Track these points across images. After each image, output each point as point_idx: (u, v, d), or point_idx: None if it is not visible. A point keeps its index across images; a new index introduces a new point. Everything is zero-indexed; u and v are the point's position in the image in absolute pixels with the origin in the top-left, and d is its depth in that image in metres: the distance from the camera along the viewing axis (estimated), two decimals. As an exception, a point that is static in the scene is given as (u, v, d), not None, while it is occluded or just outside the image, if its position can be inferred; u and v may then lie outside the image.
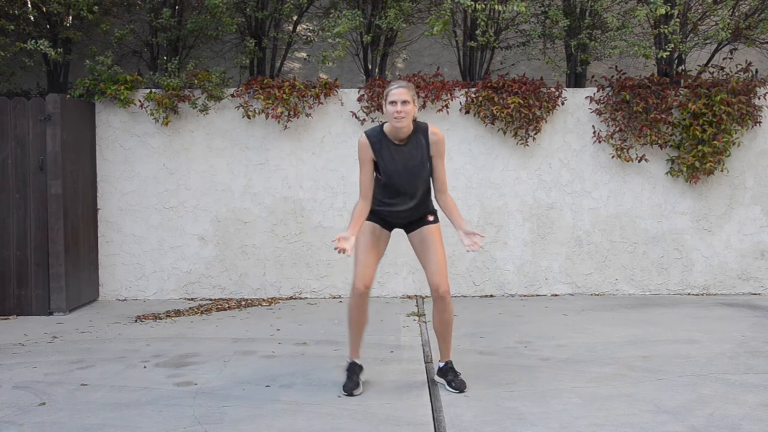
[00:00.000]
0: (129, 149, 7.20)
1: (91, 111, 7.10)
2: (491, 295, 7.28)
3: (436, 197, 4.21)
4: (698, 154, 6.98)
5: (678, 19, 6.98)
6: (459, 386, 4.16)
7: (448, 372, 4.26)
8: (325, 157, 7.24)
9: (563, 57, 7.79)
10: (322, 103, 7.16)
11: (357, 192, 7.16)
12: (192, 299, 7.22)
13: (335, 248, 3.83)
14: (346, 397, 4.09)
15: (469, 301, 7.00)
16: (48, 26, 7.20)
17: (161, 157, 7.22)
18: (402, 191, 4.09)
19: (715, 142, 6.94)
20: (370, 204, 4.09)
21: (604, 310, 6.50)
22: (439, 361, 4.34)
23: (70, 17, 7.13)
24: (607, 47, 7.14)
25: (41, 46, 6.60)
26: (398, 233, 7.28)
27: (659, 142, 7.08)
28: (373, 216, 4.19)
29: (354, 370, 4.22)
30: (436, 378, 4.34)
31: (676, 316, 6.25)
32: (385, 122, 4.10)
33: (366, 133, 4.11)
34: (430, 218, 4.23)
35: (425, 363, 4.81)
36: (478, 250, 3.96)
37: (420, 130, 4.09)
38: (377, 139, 4.07)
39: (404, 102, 3.95)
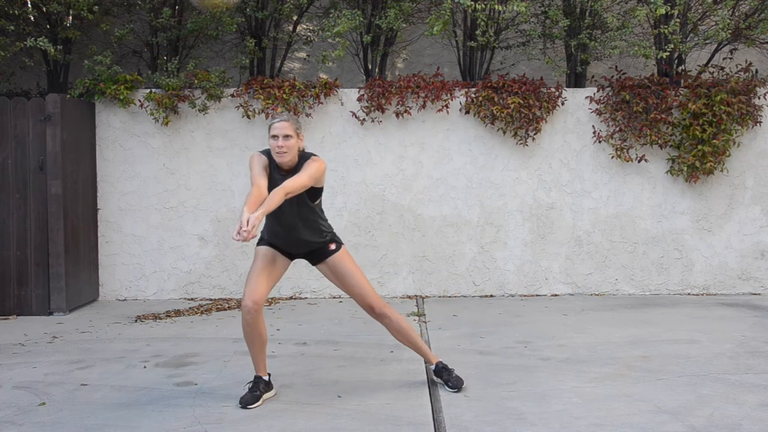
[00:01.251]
0: (129, 149, 7.20)
1: (91, 111, 7.10)
2: (491, 295, 7.28)
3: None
4: (698, 153, 6.98)
5: (678, 19, 6.98)
6: (456, 384, 4.17)
7: (443, 372, 4.26)
8: (325, 156, 7.23)
9: (563, 57, 7.79)
10: (322, 103, 7.16)
11: (357, 192, 7.21)
12: (192, 299, 7.22)
13: (240, 239, 3.46)
14: (347, 396, 4.09)
15: (469, 301, 7.00)
16: (48, 26, 7.20)
17: (161, 157, 7.22)
18: (287, 219, 3.97)
19: (715, 141, 6.94)
20: (263, 191, 3.80)
21: (604, 310, 6.50)
22: (429, 365, 4.36)
23: (70, 17, 7.13)
24: (607, 47, 7.14)
25: (40, 44, 6.59)
26: (397, 233, 7.28)
27: (659, 142, 7.08)
28: (269, 243, 4.10)
29: (258, 385, 4.06)
30: (435, 378, 4.35)
31: (676, 316, 6.25)
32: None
33: (260, 151, 4.04)
34: (332, 247, 4.11)
35: (425, 363, 4.80)
36: (239, 240, 3.51)
37: (304, 159, 3.96)
38: (269, 159, 3.97)
39: (286, 136, 3.87)
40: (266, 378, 4.13)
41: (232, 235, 3.72)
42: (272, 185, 3.92)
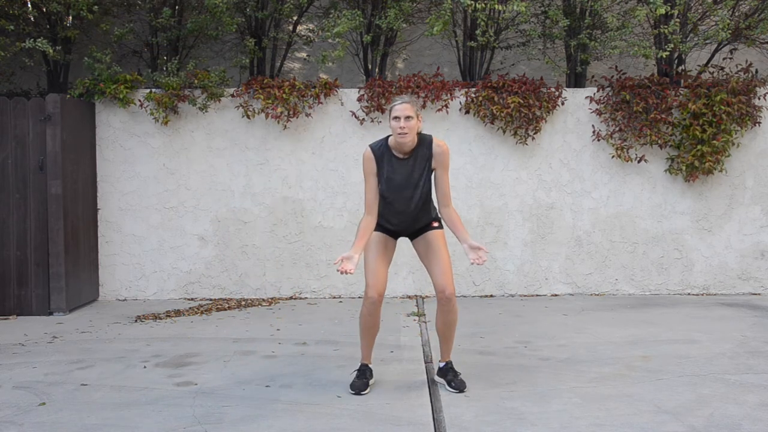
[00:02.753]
0: (129, 149, 7.20)
1: (91, 111, 7.10)
2: (491, 295, 7.28)
3: (439, 210, 4.22)
4: (698, 153, 6.98)
5: (678, 19, 6.98)
6: (459, 386, 4.17)
7: (448, 372, 4.27)
8: (325, 157, 7.24)
9: (563, 57, 7.79)
10: (322, 103, 7.16)
11: (357, 192, 7.20)
12: (192, 299, 7.22)
13: (338, 270, 3.84)
14: (346, 396, 4.10)
15: (469, 301, 7.00)
16: (48, 26, 7.20)
17: (161, 157, 7.22)
18: (402, 203, 4.11)
19: (714, 141, 6.94)
20: (375, 219, 4.11)
21: (604, 310, 6.50)
22: (440, 361, 4.35)
23: (70, 18, 7.14)
24: (607, 47, 7.14)
25: (39, 45, 6.59)
26: (398, 233, 7.26)
27: (659, 142, 7.08)
28: (378, 226, 4.20)
29: (365, 373, 4.25)
30: (436, 378, 4.35)
31: (676, 316, 6.25)
32: (390, 135, 4.10)
33: (370, 146, 4.13)
34: (435, 224, 4.24)
35: (425, 363, 4.81)
36: (482, 264, 3.98)
37: (424, 143, 4.10)
38: (381, 152, 4.09)
39: (407, 117, 3.96)
40: (371, 366, 4.30)
41: (336, 262, 3.94)
42: (392, 175, 4.06)
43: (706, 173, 7.12)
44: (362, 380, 4.19)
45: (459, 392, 4.14)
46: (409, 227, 4.23)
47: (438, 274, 4.13)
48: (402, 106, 3.97)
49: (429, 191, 4.16)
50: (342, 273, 3.82)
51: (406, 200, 4.10)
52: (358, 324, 4.24)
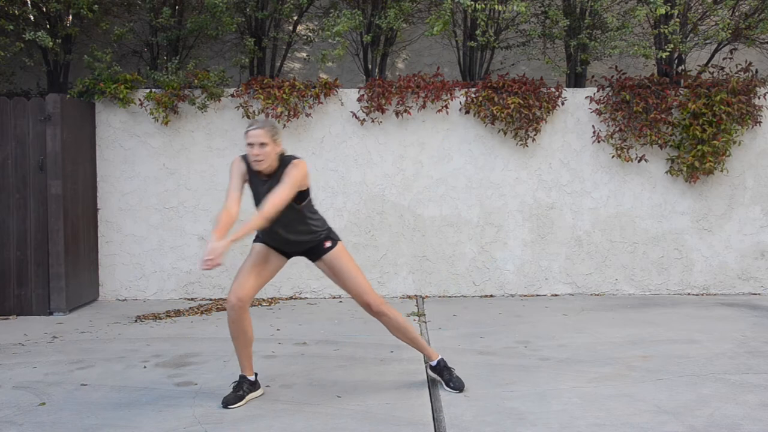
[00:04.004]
0: (129, 149, 7.20)
1: (91, 111, 7.10)
2: (491, 295, 7.28)
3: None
4: (698, 153, 6.98)
5: (678, 19, 6.98)
6: (458, 385, 4.15)
7: (444, 370, 4.24)
8: (325, 157, 7.24)
9: (563, 57, 7.79)
10: (322, 103, 7.16)
11: (357, 192, 7.20)
12: (192, 299, 7.22)
13: (204, 267, 3.51)
14: (346, 396, 4.09)
15: (469, 301, 7.00)
16: (48, 26, 7.19)
17: (161, 157, 7.22)
18: (277, 222, 3.86)
19: (715, 141, 6.94)
20: (233, 215, 3.82)
21: (604, 310, 6.50)
22: (429, 361, 4.32)
23: (70, 17, 7.13)
24: (607, 47, 7.14)
25: (40, 37, 6.56)
26: (397, 233, 7.27)
27: (659, 142, 7.08)
28: (264, 240, 4.07)
29: (241, 385, 4.03)
30: (431, 373, 4.32)
31: (676, 316, 6.25)
32: None
33: (241, 155, 3.97)
34: (327, 244, 4.04)
35: (425, 363, 4.80)
36: (205, 269, 3.58)
37: (285, 163, 3.87)
38: (249, 165, 3.90)
39: (261, 144, 3.78)
40: (252, 378, 4.09)
41: (198, 264, 3.69)
42: (254, 189, 3.91)
43: (707, 173, 7.12)
44: (237, 393, 3.98)
45: (458, 392, 4.13)
46: (292, 246, 4.03)
47: (355, 294, 4.04)
48: (255, 132, 3.77)
49: (298, 211, 3.92)
50: (209, 268, 3.52)
51: (278, 219, 3.84)
52: (229, 334, 4.02)
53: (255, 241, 4.13)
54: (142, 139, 7.20)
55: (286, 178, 3.79)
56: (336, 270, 4.05)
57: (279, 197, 3.74)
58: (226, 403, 3.93)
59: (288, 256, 4.14)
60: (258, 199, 3.97)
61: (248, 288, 3.94)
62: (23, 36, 6.71)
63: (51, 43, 6.71)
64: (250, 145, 3.80)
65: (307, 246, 4.06)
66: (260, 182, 3.91)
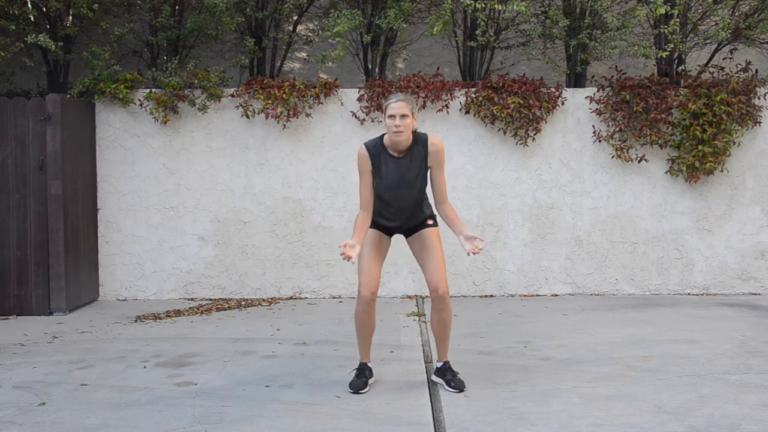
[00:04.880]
0: (129, 149, 7.21)
1: (91, 111, 7.10)
2: (491, 295, 7.28)
3: (436, 207, 4.22)
4: (698, 154, 6.98)
5: (678, 19, 6.98)
6: (458, 386, 4.17)
7: (447, 372, 4.26)
8: (325, 157, 7.24)
9: (563, 57, 7.79)
10: (322, 103, 7.16)
11: (356, 192, 7.19)
12: (192, 299, 7.22)
13: (341, 254, 3.82)
14: (346, 396, 4.09)
15: (469, 301, 7.00)
16: (48, 26, 7.20)
17: (161, 157, 7.22)
18: (398, 201, 4.11)
19: (715, 142, 6.94)
20: (371, 215, 4.12)
21: (604, 310, 6.50)
22: (437, 361, 4.34)
23: (71, 17, 7.13)
24: (607, 47, 7.14)
25: (41, 40, 6.57)
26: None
27: (659, 142, 7.08)
28: (373, 224, 4.21)
29: (364, 372, 4.25)
30: (434, 378, 4.34)
31: (676, 316, 6.25)
32: (385, 133, 4.09)
33: (365, 144, 4.12)
34: (429, 222, 4.25)
35: (425, 363, 4.81)
36: (479, 253, 3.96)
37: (419, 141, 4.09)
38: (376, 150, 4.08)
39: (403, 116, 3.94)
40: (370, 365, 4.29)
41: (340, 250, 3.97)
42: (387, 173, 4.05)
43: (707, 174, 7.12)
44: (361, 379, 4.20)
45: (459, 392, 4.14)
46: (404, 225, 4.23)
47: (431, 272, 4.13)
48: (397, 104, 3.94)
49: (424, 189, 4.17)
50: (345, 259, 3.79)
51: (401, 198, 4.10)
52: (355, 323, 4.24)
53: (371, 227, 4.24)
54: (142, 139, 7.20)
55: (441, 164, 4.10)
56: (427, 245, 4.19)
57: (444, 181, 4.14)
58: (357, 388, 4.13)
59: (392, 234, 4.30)
60: (391, 180, 4.08)
61: (376, 279, 4.12)
62: (25, 38, 6.72)
63: (53, 46, 6.71)
64: (392, 117, 3.96)
65: (417, 222, 4.24)
66: (394, 162, 4.06)
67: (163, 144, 7.21)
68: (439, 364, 4.31)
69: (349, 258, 3.79)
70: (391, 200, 4.10)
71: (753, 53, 7.97)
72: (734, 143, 7.11)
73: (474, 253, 3.92)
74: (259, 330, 5.85)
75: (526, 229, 7.27)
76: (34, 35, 6.62)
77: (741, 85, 7.01)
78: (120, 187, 7.21)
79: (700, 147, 6.96)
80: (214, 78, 7.00)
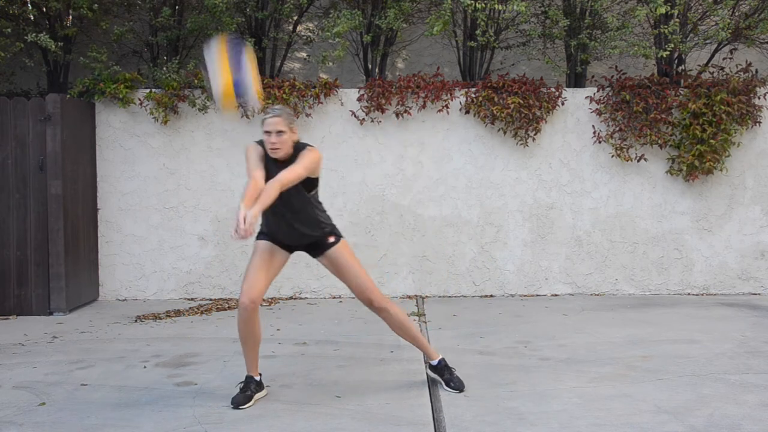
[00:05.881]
0: (129, 149, 7.21)
1: (91, 111, 7.10)
2: (491, 295, 7.28)
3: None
4: (696, 152, 6.98)
5: (678, 19, 6.98)
6: (458, 386, 4.14)
7: (444, 370, 4.22)
8: (325, 157, 7.21)
9: (563, 57, 7.79)
10: (321, 103, 7.16)
11: (357, 192, 7.20)
12: (192, 299, 7.22)
13: (239, 237, 3.44)
14: (346, 396, 4.09)
15: (469, 301, 7.00)
16: (48, 25, 7.20)
17: (161, 157, 7.22)
18: (283, 210, 3.92)
19: (712, 141, 6.93)
20: (260, 185, 3.73)
21: (604, 310, 6.50)
22: (430, 360, 4.29)
23: (71, 18, 7.13)
24: (607, 47, 7.14)
25: (42, 39, 6.56)
26: (397, 233, 7.27)
27: (659, 141, 7.08)
28: (268, 236, 4.06)
29: (249, 385, 4.03)
30: (429, 372, 4.30)
31: (676, 316, 6.25)
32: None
33: (256, 141, 3.98)
34: (331, 239, 4.06)
35: (425, 363, 4.80)
36: (238, 238, 3.50)
37: (298, 151, 3.92)
38: (265, 150, 3.92)
39: (279, 132, 3.81)
40: (257, 378, 4.09)
41: (230, 233, 3.65)
42: (269, 176, 3.85)
43: (706, 173, 7.12)
44: (245, 393, 3.98)
45: (459, 392, 4.12)
46: (297, 238, 4.03)
47: (359, 292, 4.05)
48: (273, 120, 3.80)
49: (307, 199, 3.98)
50: (243, 237, 3.43)
51: (285, 207, 3.89)
52: (238, 334, 4.02)
53: (258, 238, 4.11)
54: (142, 139, 7.20)
55: (300, 159, 3.84)
56: (338, 266, 4.06)
57: (292, 172, 3.77)
58: (237, 403, 3.92)
59: (291, 250, 4.12)
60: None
61: (259, 288, 3.93)
62: (25, 38, 6.71)
63: (53, 46, 6.71)
64: (268, 133, 3.84)
65: (312, 239, 4.06)
66: (275, 168, 3.88)
67: (163, 144, 7.21)
68: (434, 362, 4.26)
69: (247, 233, 3.43)
70: (275, 208, 3.85)
71: (753, 53, 7.97)
72: (733, 143, 7.11)
73: (235, 237, 3.48)
74: (259, 330, 5.84)
75: (526, 229, 7.27)
76: (34, 34, 6.61)
77: (741, 85, 7.01)
78: (120, 187, 7.21)
79: (698, 146, 6.96)
80: (214, 77, 6.99)
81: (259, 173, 3.82)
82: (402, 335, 4.22)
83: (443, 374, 4.22)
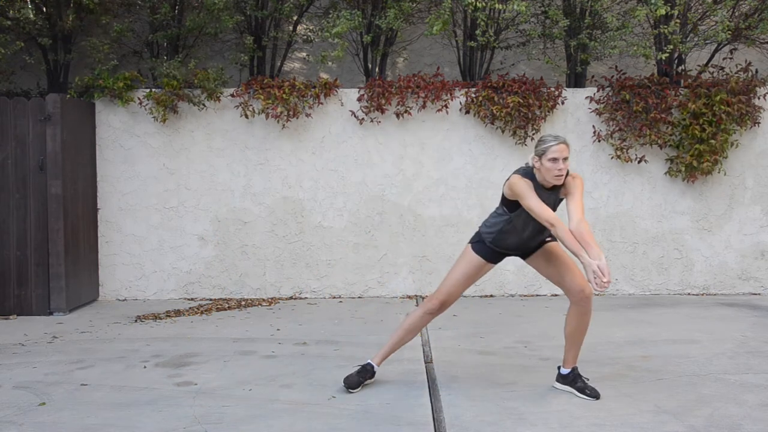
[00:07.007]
0: (129, 149, 7.21)
1: (91, 111, 7.10)
2: (491, 295, 7.28)
3: (570, 226, 3.84)
4: (695, 152, 6.98)
5: (678, 19, 6.98)
6: (593, 393, 4.03)
7: (577, 379, 4.12)
8: (325, 157, 7.24)
9: (563, 57, 7.79)
10: (321, 103, 7.16)
11: (357, 192, 7.20)
12: (192, 299, 7.22)
13: (601, 290, 3.61)
14: (346, 396, 4.09)
15: (469, 301, 7.00)
16: (48, 25, 7.19)
17: (161, 157, 7.22)
18: (533, 230, 4.02)
19: (712, 141, 6.93)
20: (573, 226, 3.82)
21: (604, 310, 6.50)
22: (563, 367, 4.19)
23: (71, 17, 7.13)
24: (607, 47, 7.14)
25: (41, 39, 6.56)
26: (397, 233, 7.27)
27: (659, 141, 7.08)
28: (487, 249, 4.12)
29: (365, 373, 4.24)
30: (557, 385, 4.21)
31: (676, 316, 6.25)
32: (531, 167, 3.97)
33: (521, 174, 3.96)
34: (548, 239, 4.17)
35: (425, 363, 4.81)
36: (601, 291, 3.70)
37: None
38: (530, 178, 3.95)
39: (565, 159, 3.86)
40: (377, 369, 4.30)
41: (594, 287, 3.70)
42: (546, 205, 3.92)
43: (705, 174, 7.12)
44: (358, 378, 4.21)
45: (596, 400, 3.99)
46: (528, 247, 4.15)
47: (572, 279, 4.02)
48: (559, 147, 3.82)
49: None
50: (603, 288, 3.58)
51: (536, 227, 4.00)
52: (404, 326, 4.25)
53: (477, 246, 4.14)
54: (142, 139, 7.20)
55: (578, 190, 3.94)
56: (555, 256, 4.10)
57: (582, 204, 3.92)
58: (350, 385, 4.16)
59: (498, 261, 4.21)
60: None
61: (455, 300, 4.15)
62: (25, 33, 6.70)
63: (49, 43, 6.71)
64: (554, 160, 3.83)
65: (536, 243, 4.15)
66: (546, 195, 3.95)
67: (163, 144, 7.21)
68: (566, 371, 4.16)
69: (607, 283, 3.58)
70: (525, 226, 3.98)
71: (753, 53, 7.97)
72: (733, 144, 7.11)
73: (596, 291, 3.71)
74: (259, 330, 5.85)
75: (526, 229, 7.26)
76: (33, 28, 6.61)
77: (741, 85, 7.02)
78: (120, 187, 7.21)
79: (697, 146, 6.96)
80: (213, 75, 7.00)
81: (552, 213, 3.82)
82: (577, 333, 4.10)
83: (576, 382, 4.12)
